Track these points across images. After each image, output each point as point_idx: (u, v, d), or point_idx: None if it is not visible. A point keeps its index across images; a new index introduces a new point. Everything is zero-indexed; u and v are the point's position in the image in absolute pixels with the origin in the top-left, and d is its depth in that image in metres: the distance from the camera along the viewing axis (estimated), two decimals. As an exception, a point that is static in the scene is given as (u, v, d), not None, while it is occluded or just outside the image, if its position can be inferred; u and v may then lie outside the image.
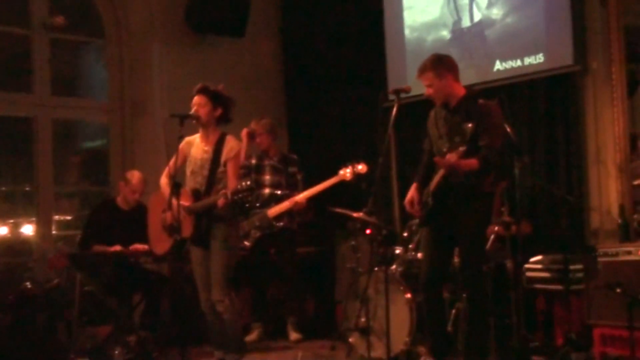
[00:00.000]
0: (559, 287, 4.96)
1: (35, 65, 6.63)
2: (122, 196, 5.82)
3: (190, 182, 4.71)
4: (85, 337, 5.60)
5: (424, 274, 4.51)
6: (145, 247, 5.48)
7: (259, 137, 6.11)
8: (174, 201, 4.48)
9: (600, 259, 4.58)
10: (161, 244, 4.79)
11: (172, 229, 4.54)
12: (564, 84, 5.75)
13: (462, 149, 4.06)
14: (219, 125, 4.73)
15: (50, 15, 6.64)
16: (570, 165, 5.68)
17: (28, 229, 6.73)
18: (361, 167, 5.72)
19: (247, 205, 5.96)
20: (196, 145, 4.75)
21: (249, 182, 4.38)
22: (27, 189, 6.83)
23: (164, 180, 4.77)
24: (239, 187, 4.33)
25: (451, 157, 4.08)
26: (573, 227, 5.56)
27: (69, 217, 7.13)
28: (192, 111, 4.66)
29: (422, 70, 4.42)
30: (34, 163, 6.64)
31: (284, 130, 7.34)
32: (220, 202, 4.42)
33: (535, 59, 5.83)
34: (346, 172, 5.76)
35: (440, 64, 4.40)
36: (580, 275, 4.84)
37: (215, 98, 4.68)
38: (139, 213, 5.69)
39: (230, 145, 4.66)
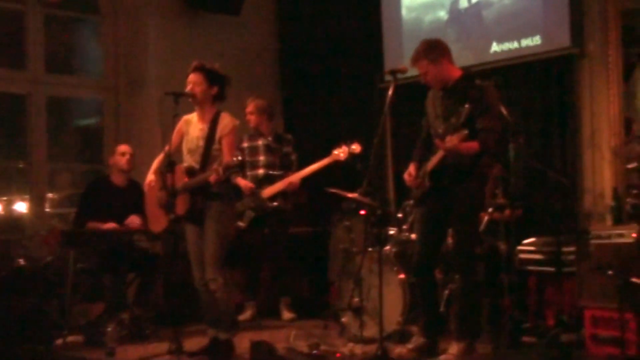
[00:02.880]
0: (551, 269, 4.98)
1: (29, 41, 6.58)
2: (114, 170, 5.81)
3: (188, 160, 4.69)
4: (78, 314, 5.61)
5: (417, 254, 4.53)
6: (140, 220, 5.50)
7: (248, 115, 6.09)
8: (168, 179, 4.48)
9: (592, 241, 4.59)
10: (158, 223, 4.79)
11: (167, 207, 4.54)
12: (560, 67, 5.74)
13: (464, 132, 4.03)
14: (214, 104, 4.70)
15: (45, -9, 6.59)
16: (565, 147, 5.69)
17: (21, 207, 6.73)
18: (355, 147, 5.71)
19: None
20: (193, 123, 4.73)
21: (239, 157, 4.34)
22: (20, 166, 6.80)
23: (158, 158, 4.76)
24: (230, 162, 4.32)
25: (452, 140, 4.06)
26: (566, 209, 5.58)
27: (62, 195, 7.12)
28: (188, 89, 4.64)
29: (416, 59, 4.38)
30: (27, 140, 6.61)
31: (278, 109, 7.30)
32: (212, 177, 4.38)
33: (532, 41, 5.81)
34: (340, 152, 5.75)
35: (432, 49, 4.36)
36: (572, 257, 4.85)
37: (211, 76, 4.64)
38: (133, 190, 5.70)
39: (225, 122, 4.62)
